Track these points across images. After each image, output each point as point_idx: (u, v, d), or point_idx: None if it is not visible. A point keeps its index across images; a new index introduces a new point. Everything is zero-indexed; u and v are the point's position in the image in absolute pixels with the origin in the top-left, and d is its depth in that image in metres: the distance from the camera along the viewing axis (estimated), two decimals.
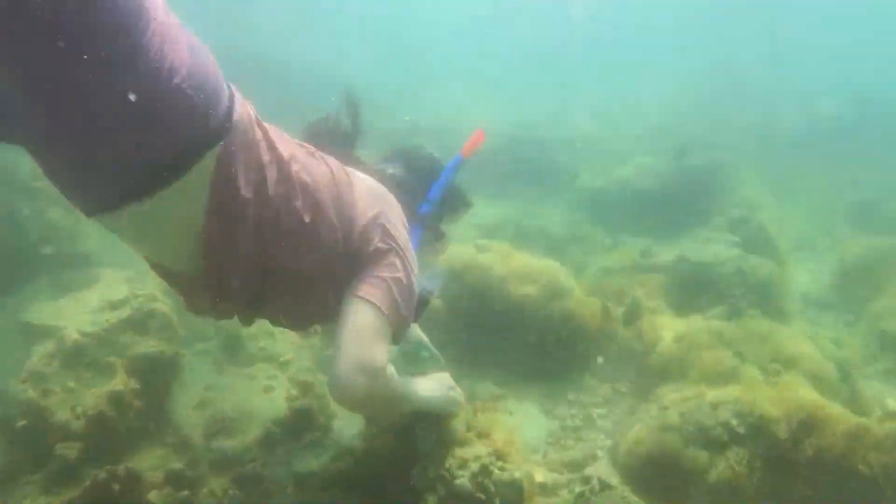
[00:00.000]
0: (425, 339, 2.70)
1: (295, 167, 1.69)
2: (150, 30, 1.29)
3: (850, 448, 2.13)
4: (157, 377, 2.79)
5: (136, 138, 1.33)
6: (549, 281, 3.73)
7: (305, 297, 1.85)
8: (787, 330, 3.49)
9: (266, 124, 1.68)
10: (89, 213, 1.48)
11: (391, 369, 1.86)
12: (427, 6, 24.71)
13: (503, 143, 9.44)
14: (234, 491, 2.64)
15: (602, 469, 2.51)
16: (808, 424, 2.22)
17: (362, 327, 1.75)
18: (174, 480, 2.48)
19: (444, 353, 3.80)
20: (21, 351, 2.78)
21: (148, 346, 2.79)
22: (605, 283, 4.18)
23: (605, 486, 2.14)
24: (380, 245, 1.87)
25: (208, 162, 1.43)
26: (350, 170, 2.01)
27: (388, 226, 1.93)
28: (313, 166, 1.80)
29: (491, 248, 4.12)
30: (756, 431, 2.19)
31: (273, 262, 1.67)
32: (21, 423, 2.34)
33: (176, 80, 1.33)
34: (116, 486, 2.11)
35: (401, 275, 1.87)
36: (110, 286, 3.28)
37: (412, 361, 2.78)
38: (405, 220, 2.10)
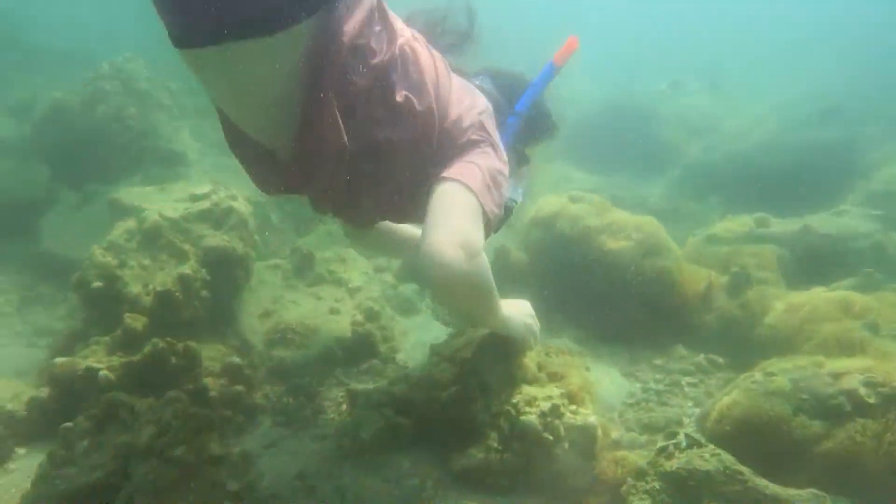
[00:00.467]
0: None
1: (401, 40, 1.63)
2: None
3: None
4: (225, 273, 2.80)
5: None
6: (647, 237, 3.43)
7: (391, 180, 1.73)
8: None
9: None
10: (182, 43, 1.39)
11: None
12: None
13: (603, 110, 9.04)
14: (288, 399, 2.61)
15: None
16: None
17: (459, 204, 1.64)
18: (232, 373, 2.47)
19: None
20: (108, 227, 2.88)
21: (221, 240, 2.79)
22: (709, 251, 3.81)
23: (694, 442, 1.89)
24: (474, 136, 1.78)
25: (322, 17, 1.39)
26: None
27: (484, 121, 1.84)
28: (418, 47, 1.71)
29: (585, 198, 3.86)
30: (891, 402, 1.86)
31: (360, 137, 1.57)
32: (96, 284, 2.40)
33: None
34: (174, 359, 2.10)
35: (496, 165, 1.77)
36: (197, 183, 3.34)
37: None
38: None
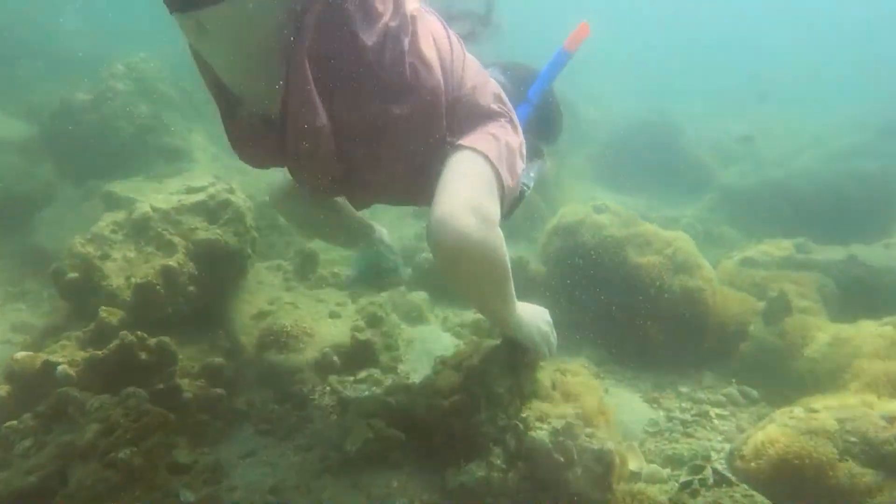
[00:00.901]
0: (389, 242, 2.50)
1: (411, 6, 1.57)
2: None
3: None
4: (217, 268, 2.66)
5: None
6: (676, 252, 3.22)
7: (397, 154, 1.61)
8: None
9: None
10: (177, 6, 1.38)
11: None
12: None
13: (636, 130, 8.86)
14: (274, 406, 2.44)
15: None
16: None
17: (474, 173, 1.54)
18: (211, 375, 2.32)
19: None
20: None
21: (213, 233, 2.66)
22: (744, 274, 3.56)
23: (722, 480, 1.67)
24: (494, 107, 1.70)
25: None
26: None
27: (502, 94, 1.77)
28: (430, 17, 1.66)
29: (610, 208, 3.66)
30: None
31: (362, 107, 1.49)
32: (72, 275, 2.28)
33: None
34: (144, 355, 1.95)
35: (514, 139, 1.68)
36: (197, 177, 3.24)
37: (372, 270, 2.48)
38: None
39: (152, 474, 1.42)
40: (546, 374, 2.12)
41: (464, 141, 1.59)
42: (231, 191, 2.95)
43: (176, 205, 2.71)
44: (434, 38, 1.61)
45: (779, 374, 2.82)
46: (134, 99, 4.57)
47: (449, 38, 1.70)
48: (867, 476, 1.75)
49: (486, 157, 1.55)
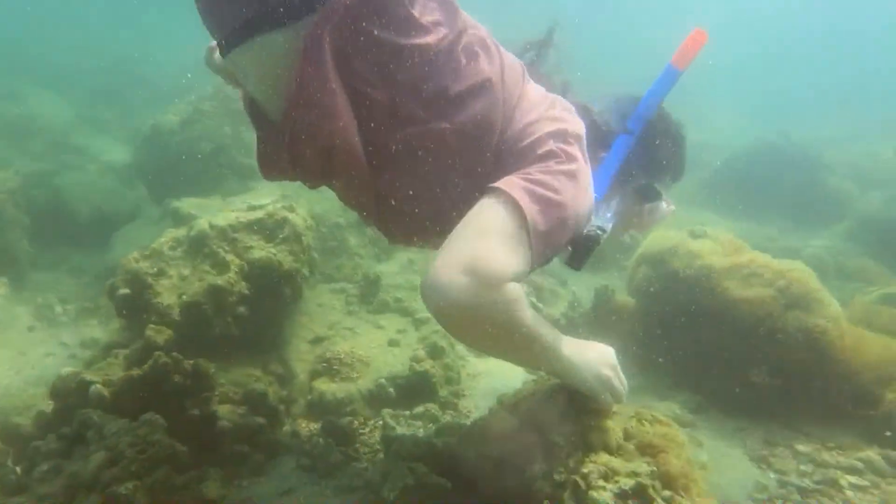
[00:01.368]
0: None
1: (461, 24, 1.49)
2: None
3: None
4: (270, 290, 2.62)
5: None
6: (791, 284, 2.81)
7: (428, 189, 1.50)
8: None
9: None
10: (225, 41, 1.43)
11: (524, 299, 1.40)
12: None
13: (753, 154, 8.24)
14: (319, 439, 2.32)
15: None
16: None
17: (491, 220, 1.37)
18: (253, 402, 2.25)
19: (625, 358, 3.14)
20: None
21: (268, 252, 2.63)
22: (885, 313, 3.06)
23: None
24: (545, 149, 1.49)
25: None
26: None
27: (566, 136, 1.54)
28: (485, 37, 1.56)
29: (709, 234, 3.30)
30: None
31: (397, 131, 1.42)
32: (123, 290, 2.31)
33: None
34: (178, 378, 1.90)
35: (566, 186, 1.45)
36: (261, 195, 3.28)
37: None
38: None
39: None
40: (619, 422, 1.83)
41: (497, 183, 1.42)
42: (291, 209, 2.93)
43: (233, 222, 2.72)
44: (489, 62, 1.50)
45: None
46: (219, 120, 4.79)
47: (503, 63, 1.56)
48: None
49: (515, 203, 1.36)
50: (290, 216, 2.84)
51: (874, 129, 9.55)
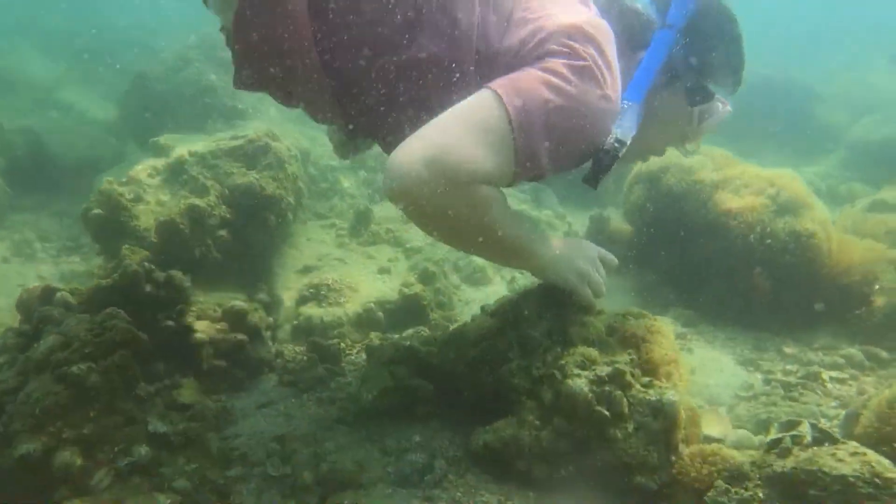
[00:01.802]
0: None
1: None
2: None
3: None
4: (253, 215, 2.54)
5: None
6: (780, 192, 2.71)
7: (410, 103, 1.41)
8: None
9: None
10: None
11: (497, 203, 1.32)
12: None
13: (755, 88, 8.00)
14: (302, 357, 2.27)
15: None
16: None
17: (467, 114, 1.26)
18: (233, 319, 2.17)
19: (620, 279, 3.08)
20: None
21: (250, 178, 2.54)
22: (871, 220, 2.97)
23: (825, 437, 1.27)
24: (553, 46, 1.35)
25: None
26: None
27: (576, 31, 1.38)
28: None
29: (701, 150, 3.19)
30: None
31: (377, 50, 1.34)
32: (95, 211, 2.24)
33: None
34: (149, 287, 1.84)
35: (565, 91, 1.29)
36: (246, 129, 3.18)
37: None
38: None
39: (110, 396, 1.26)
40: (601, 319, 1.75)
41: (490, 82, 1.30)
42: (274, 137, 2.83)
43: (213, 149, 2.63)
44: None
45: None
46: (204, 67, 4.67)
47: None
48: None
49: (500, 101, 1.24)
50: (274, 143, 2.75)
51: (867, 59, 9.32)
